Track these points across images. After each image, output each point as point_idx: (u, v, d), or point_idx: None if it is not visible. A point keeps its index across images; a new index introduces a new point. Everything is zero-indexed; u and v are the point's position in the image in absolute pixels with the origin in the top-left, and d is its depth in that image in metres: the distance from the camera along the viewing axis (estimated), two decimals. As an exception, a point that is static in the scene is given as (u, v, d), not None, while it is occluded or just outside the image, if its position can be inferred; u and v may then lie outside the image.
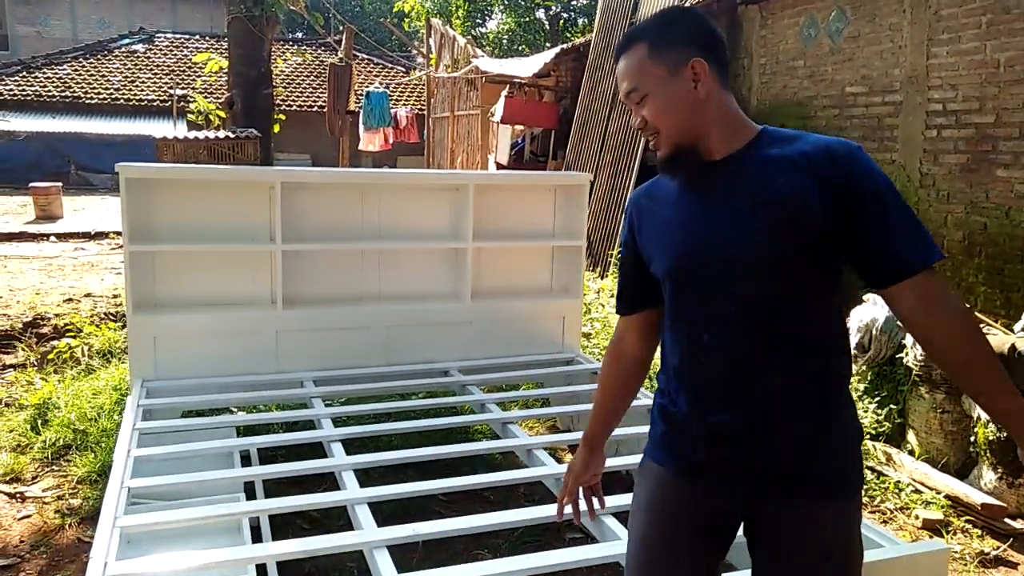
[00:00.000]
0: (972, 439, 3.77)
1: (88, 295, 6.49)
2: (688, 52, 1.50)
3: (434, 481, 2.70)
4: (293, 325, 3.86)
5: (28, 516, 3.35)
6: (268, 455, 3.55)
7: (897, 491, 3.70)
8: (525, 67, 11.31)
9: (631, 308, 1.71)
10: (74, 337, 5.26)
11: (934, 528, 3.38)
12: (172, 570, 2.10)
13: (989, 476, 3.67)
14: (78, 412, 4.13)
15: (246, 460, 3.43)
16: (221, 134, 8.16)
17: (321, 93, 21.17)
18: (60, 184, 12.64)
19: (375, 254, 4.07)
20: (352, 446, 3.09)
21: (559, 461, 2.96)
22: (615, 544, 2.21)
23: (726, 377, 1.47)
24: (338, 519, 3.06)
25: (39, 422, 4.11)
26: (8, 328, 5.69)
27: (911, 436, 4.09)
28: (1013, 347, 3.79)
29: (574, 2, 21.04)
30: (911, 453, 4.03)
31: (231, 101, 9.35)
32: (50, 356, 5.10)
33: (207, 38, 23.54)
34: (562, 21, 20.59)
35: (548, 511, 2.37)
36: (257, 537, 2.88)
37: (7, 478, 3.67)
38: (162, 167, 4.05)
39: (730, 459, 1.48)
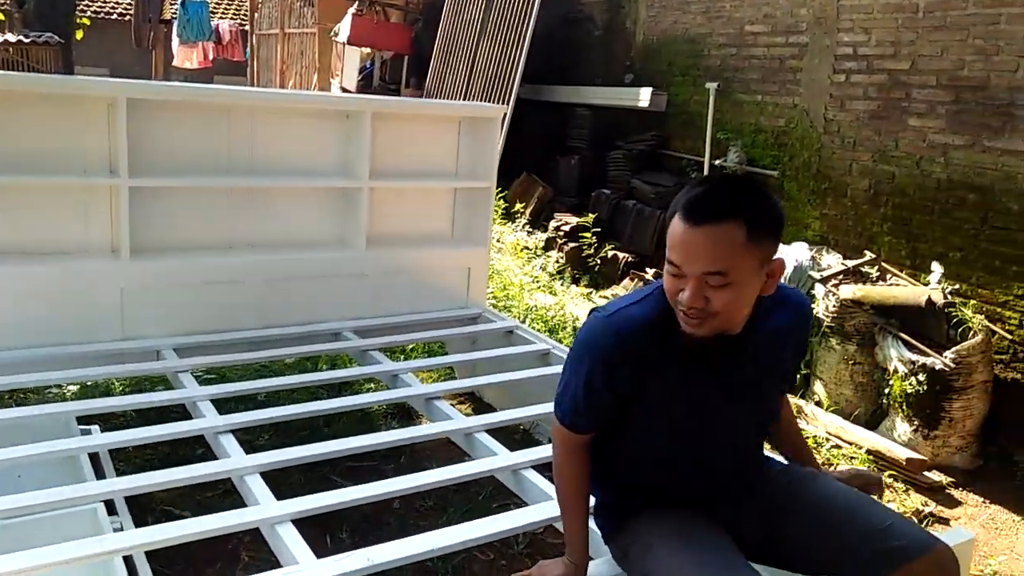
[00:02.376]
0: (886, 391, 3.75)
1: None
2: (775, 247, 1.49)
3: (386, 483, 2.20)
4: (143, 280, 3.08)
5: None
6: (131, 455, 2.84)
7: (816, 445, 3.63)
8: (373, -17, 10.32)
9: (591, 430, 1.70)
10: None
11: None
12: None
13: (903, 428, 3.68)
14: None
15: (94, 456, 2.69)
16: (11, 37, 6.68)
17: (122, -2, 18.61)
18: None
19: (247, 193, 3.34)
20: (249, 435, 2.48)
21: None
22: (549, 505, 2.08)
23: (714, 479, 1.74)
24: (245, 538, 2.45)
25: None
26: None
27: (818, 387, 4.05)
28: (929, 299, 3.78)
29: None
30: (819, 404, 4.00)
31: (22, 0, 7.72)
32: None
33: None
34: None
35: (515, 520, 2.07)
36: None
37: None
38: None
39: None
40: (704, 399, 1.64)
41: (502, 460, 2.37)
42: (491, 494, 2.85)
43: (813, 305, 4.07)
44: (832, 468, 3.43)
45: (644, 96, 6.15)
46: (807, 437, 3.62)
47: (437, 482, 2.27)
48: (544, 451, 2.40)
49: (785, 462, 1.96)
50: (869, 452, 3.57)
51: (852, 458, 3.55)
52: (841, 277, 4.16)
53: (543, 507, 2.11)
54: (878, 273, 4.19)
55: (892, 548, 1.56)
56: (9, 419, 2.48)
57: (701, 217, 1.43)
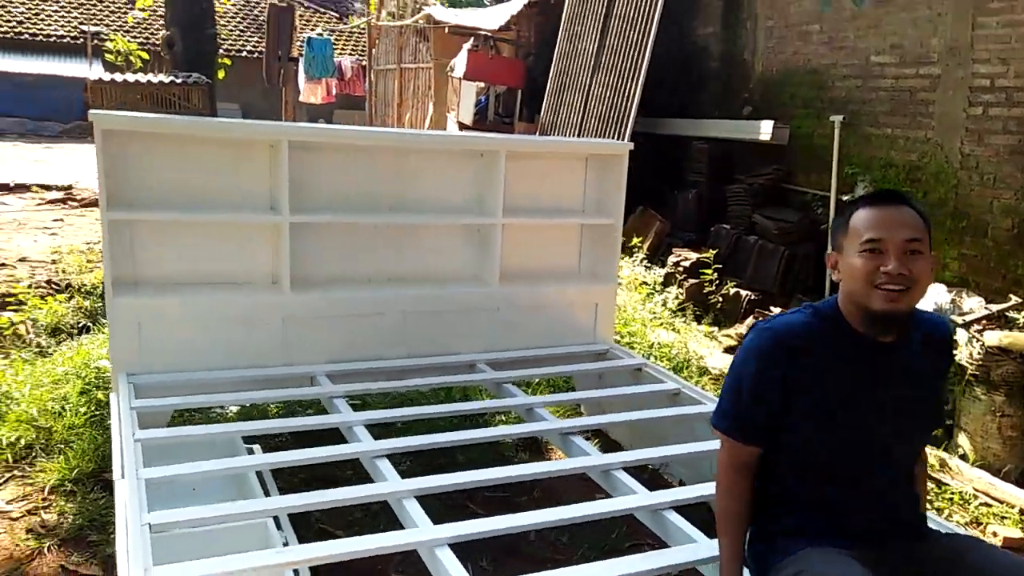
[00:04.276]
0: (1037, 444, 3.57)
1: (23, 259, 5.71)
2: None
3: (523, 516, 2.29)
4: (302, 311, 3.32)
5: (-7, 537, 2.78)
6: (285, 474, 3.05)
7: (963, 502, 3.46)
8: (488, 19, 10.66)
9: (759, 440, 1.79)
10: (16, 311, 4.55)
11: (1017, 547, 3.16)
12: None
13: (1056, 484, 3.48)
14: (38, 405, 3.52)
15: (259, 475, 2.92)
16: (164, 79, 7.28)
17: (250, 37, 19.86)
18: (-34, 128, 11.32)
19: (392, 229, 3.55)
20: (398, 463, 2.63)
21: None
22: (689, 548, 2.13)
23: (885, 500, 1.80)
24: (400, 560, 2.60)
25: (-9, 417, 3.47)
26: (-67, 298, 4.91)
27: (963, 439, 3.87)
28: (1083, 345, 3.60)
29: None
30: (963, 458, 3.80)
31: (171, 40, 8.41)
32: (-11, 333, 4.40)
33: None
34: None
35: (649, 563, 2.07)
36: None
37: (-40, 490, 3.05)
38: (144, 117, 3.40)
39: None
40: (860, 406, 1.73)
41: (642, 499, 2.40)
42: (625, 534, 2.88)
43: (955, 352, 3.93)
44: (981, 528, 3.30)
45: (766, 129, 6.11)
46: (952, 492, 3.50)
47: (580, 516, 2.33)
48: (683, 492, 2.45)
49: (946, 527, 1.97)
50: (1022, 512, 3.39)
51: (1004, 517, 3.37)
52: (985, 322, 4.00)
53: (685, 549, 2.13)
54: (1025, 318, 4.02)
55: None
56: (183, 436, 2.74)
57: (893, 200, 1.72)
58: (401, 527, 2.24)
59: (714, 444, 2.72)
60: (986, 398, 3.73)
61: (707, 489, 2.42)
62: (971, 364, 3.78)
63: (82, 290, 5.20)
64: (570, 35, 8.58)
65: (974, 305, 4.11)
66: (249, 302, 3.26)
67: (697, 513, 2.40)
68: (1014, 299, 4.11)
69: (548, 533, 2.84)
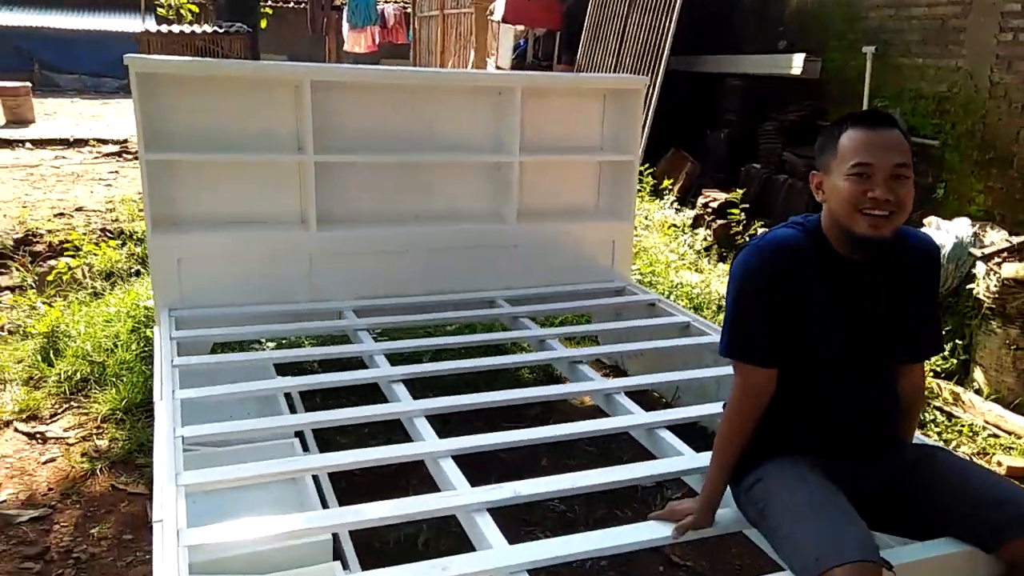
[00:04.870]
0: (1051, 376, 3.58)
1: (79, 209, 6.04)
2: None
3: (530, 430, 2.45)
4: (327, 248, 3.51)
5: (53, 460, 3.09)
6: (313, 395, 3.29)
7: (972, 434, 3.52)
8: (527, -39, 10.53)
9: (772, 361, 1.80)
10: (73, 256, 4.87)
11: (1019, 477, 3.22)
12: (254, 539, 1.86)
13: (1069, 414, 3.51)
14: (92, 342, 3.82)
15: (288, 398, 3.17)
16: (208, 29, 7.49)
17: (297, -13, 19.96)
18: (29, 84, 11.78)
19: (413, 167, 3.70)
20: (414, 388, 2.82)
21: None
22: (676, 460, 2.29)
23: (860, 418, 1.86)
24: (409, 474, 2.82)
25: (50, 352, 3.79)
26: (-1, 245, 5.27)
27: (978, 373, 3.89)
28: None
29: None
30: (978, 392, 3.83)
31: (215, -7, 8.60)
32: (49, 277, 4.72)
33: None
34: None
35: (642, 470, 2.23)
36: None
37: (24, 416, 3.37)
38: (175, 60, 3.58)
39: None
40: (838, 325, 1.77)
41: (638, 419, 2.56)
42: (632, 458, 3.02)
43: (972, 285, 3.93)
44: (987, 458, 3.35)
45: (797, 63, 6.02)
46: (963, 424, 3.55)
47: (578, 433, 2.51)
48: (677, 413, 2.59)
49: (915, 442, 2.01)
50: (1029, 440, 3.43)
51: (1010, 448, 3.41)
52: (1005, 255, 3.96)
53: (672, 461, 2.29)
54: (1049, 250, 3.97)
55: (1020, 514, 1.66)
56: (223, 363, 2.99)
57: (883, 122, 1.71)
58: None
59: (716, 371, 2.87)
60: (1001, 331, 3.74)
61: (700, 410, 2.58)
62: (988, 297, 3.78)
63: (133, 237, 5.50)
64: (606, -26, 8.47)
65: (996, 239, 4.07)
66: (279, 240, 3.47)
67: (688, 434, 2.52)
68: (1038, 231, 4.07)
69: (559, 457, 3.02)
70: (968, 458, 3.09)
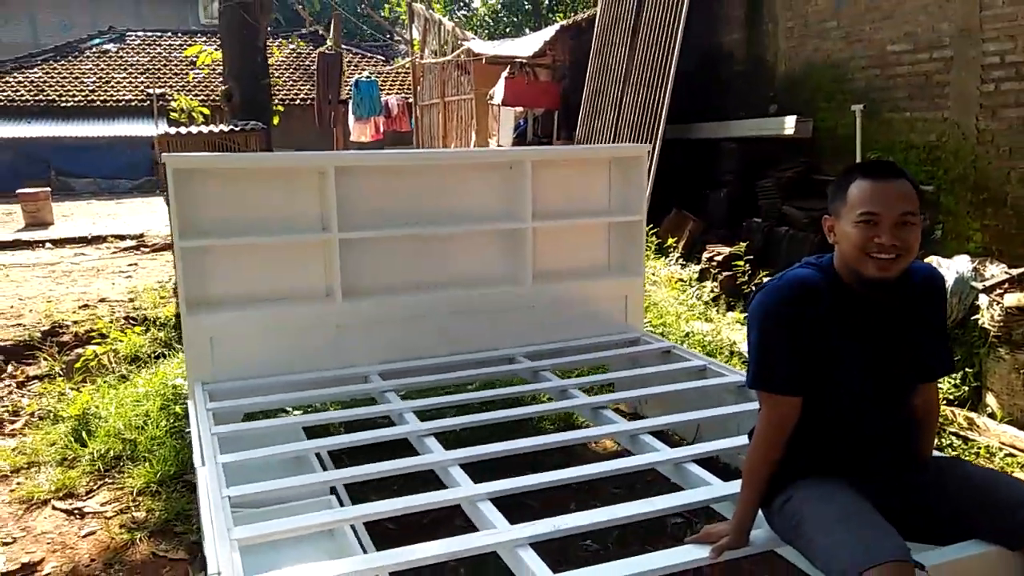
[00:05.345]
0: (1063, 398, 3.65)
1: (103, 300, 6.23)
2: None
3: (556, 472, 2.53)
4: (353, 318, 3.66)
5: (92, 532, 3.15)
6: (342, 455, 3.37)
7: (989, 455, 3.58)
8: (523, 47, 11.05)
9: (798, 389, 1.90)
10: (99, 344, 5.01)
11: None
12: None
13: (1084, 435, 3.56)
14: (124, 421, 3.92)
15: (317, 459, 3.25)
16: (224, 128, 7.87)
17: (303, 85, 20.78)
18: (48, 190, 12.22)
19: (431, 239, 3.87)
20: (444, 442, 2.90)
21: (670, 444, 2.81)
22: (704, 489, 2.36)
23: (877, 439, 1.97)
24: (442, 526, 2.88)
25: (83, 433, 3.89)
26: (26, 338, 5.43)
27: (990, 399, 3.97)
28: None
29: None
30: (992, 416, 3.91)
31: (229, 93, 9.03)
32: (77, 365, 4.86)
33: (179, 35, 23.01)
34: (546, 1, 20.32)
35: (674, 500, 2.32)
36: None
37: (60, 494, 3.45)
38: (209, 156, 3.82)
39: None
40: (855, 355, 1.88)
41: (664, 455, 2.64)
42: (659, 495, 3.08)
43: (977, 316, 4.04)
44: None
45: (789, 124, 6.28)
46: (979, 447, 3.61)
47: (608, 471, 2.59)
48: (703, 447, 2.66)
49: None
50: (1046, 459, 3.49)
51: (1026, 466, 3.48)
52: (1006, 286, 4.09)
53: (700, 491, 2.36)
54: (1047, 280, 4.09)
55: None
56: (258, 428, 3.09)
57: (890, 174, 1.83)
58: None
59: (736, 408, 2.96)
60: (1009, 357, 3.83)
61: (724, 444, 2.66)
62: (993, 326, 3.88)
63: (157, 323, 5.67)
64: (601, 54, 8.90)
65: (996, 272, 4.20)
66: (306, 313, 3.61)
67: (712, 470, 2.59)
68: (1035, 263, 4.21)
69: (587, 498, 3.06)
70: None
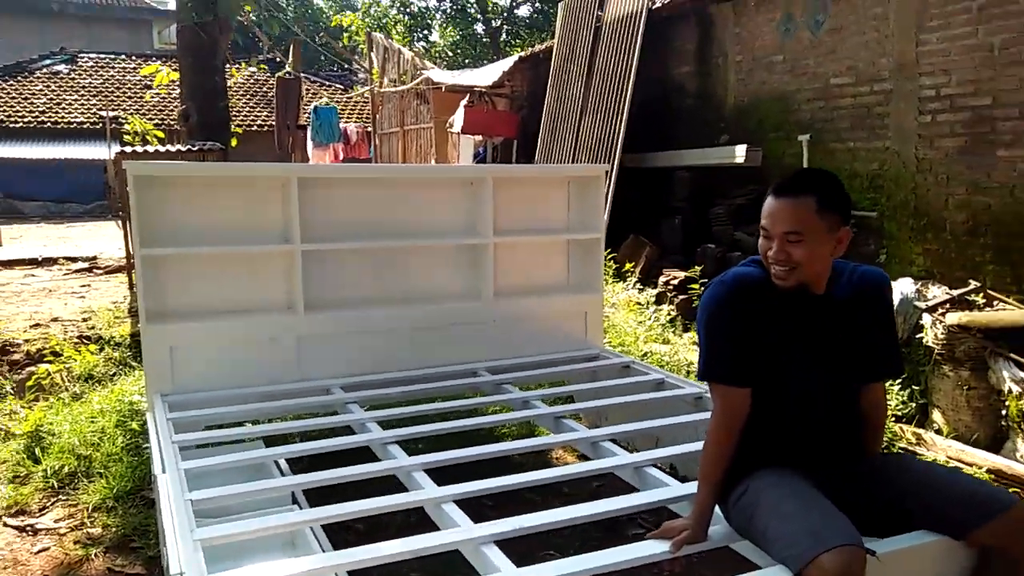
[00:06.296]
0: (1004, 412, 3.83)
1: (55, 320, 6.10)
2: (842, 219, 1.93)
3: (520, 475, 2.58)
4: (315, 330, 3.67)
5: (46, 549, 3.09)
6: (302, 465, 3.36)
7: (934, 467, 3.72)
8: (482, 77, 11.23)
9: (747, 380, 1.98)
10: (52, 362, 4.92)
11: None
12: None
13: None
14: (79, 437, 3.85)
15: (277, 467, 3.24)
16: (182, 147, 7.82)
17: (260, 111, 20.70)
18: (-5, 211, 11.92)
19: (394, 253, 3.92)
20: (408, 449, 2.93)
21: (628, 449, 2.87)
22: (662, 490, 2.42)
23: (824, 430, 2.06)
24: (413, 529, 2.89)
25: (36, 450, 3.81)
26: (-27, 356, 5.28)
27: (936, 415, 4.13)
28: (1036, 319, 3.88)
29: (516, 14, 21.16)
30: (938, 432, 4.06)
31: (187, 113, 8.95)
32: (28, 383, 4.75)
33: (132, 57, 22.73)
34: (503, 35, 20.68)
35: (633, 500, 2.38)
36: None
37: (12, 511, 3.38)
38: (171, 164, 3.82)
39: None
40: (797, 348, 1.98)
41: (624, 459, 2.70)
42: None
43: (921, 335, 4.22)
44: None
45: (740, 153, 6.51)
46: (926, 460, 3.74)
47: (568, 475, 2.65)
48: (662, 452, 2.74)
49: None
50: (990, 471, 3.62)
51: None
52: (948, 306, 4.28)
53: (657, 491, 2.42)
54: (984, 301, 4.30)
55: (982, 503, 1.84)
56: (213, 437, 3.07)
57: (783, 192, 1.94)
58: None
59: (694, 417, 3.05)
60: (953, 374, 4.00)
61: (682, 449, 2.74)
62: (936, 344, 4.06)
63: (112, 342, 5.57)
64: (559, 85, 9.10)
65: (938, 293, 4.39)
66: (268, 325, 3.61)
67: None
68: (973, 283, 4.41)
69: (551, 498, 3.09)
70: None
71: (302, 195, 3.60)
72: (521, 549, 2.62)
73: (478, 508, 2.51)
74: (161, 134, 10.28)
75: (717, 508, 2.07)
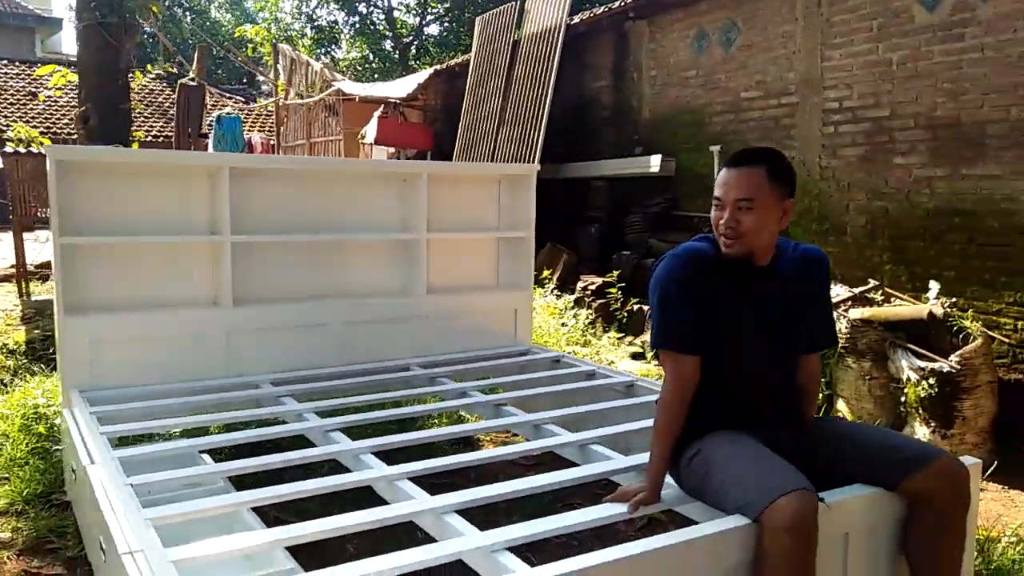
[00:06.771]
0: (902, 399, 4.11)
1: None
2: (788, 191, 2.07)
3: (470, 454, 2.60)
4: (244, 325, 3.57)
5: (-52, 555, 2.86)
6: (241, 454, 3.25)
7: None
8: (396, 89, 11.23)
9: (697, 349, 2.08)
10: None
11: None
12: (228, 551, 1.90)
13: (923, 431, 4.02)
14: (-22, 443, 3.59)
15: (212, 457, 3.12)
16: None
17: (156, 121, 19.91)
18: None
19: (326, 247, 3.87)
20: (352, 435, 2.89)
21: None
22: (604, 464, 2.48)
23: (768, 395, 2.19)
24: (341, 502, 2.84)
25: (-71, 457, 3.53)
26: None
27: (841, 404, 4.40)
28: (930, 313, 4.20)
29: (425, 32, 21.25)
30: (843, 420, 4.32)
31: (86, 116, 8.52)
32: (-86, 389, 4.40)
33: (16, 63, 21.46)
34: (412, 51, 20.72)
35: (581, 472, 2.44)
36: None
37: (-95, 520, 3.11)
38: (95, 149, 3.65)
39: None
40: (743, 318, 2.10)
41: (568, 438, 2.76)
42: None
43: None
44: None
45: (655, 163, 6.76)
46: (857, 422, 3.97)
47: (513, 453, 2.70)
48: (603, 431, 2.81)
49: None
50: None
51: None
52: (849, 303, 4.58)
53: (599, 465, 2.48)
54: (883, 297, 4.62)
55: (909, 456, 2.00)
56: (140, 429, 2.95)
57: (736, 163, 2.07)
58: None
59: (626, 402, 3.14)
60: (856, 365, 4.28)
61: (622, 428, 2.82)
62: (841, 338, 4.33)
63: (4, 349, 5.25)
64: (475, 98, 9.20)
65: (841, 292, 4.69)
66: (194, 319, 3.49)
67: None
68: (872, 282, 4.74)
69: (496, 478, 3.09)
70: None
71: (233, 186, 3.51)
72: (479, 521, 2.64)
73: (430, 488, 2.50)
74: (47, 141, 9.76)
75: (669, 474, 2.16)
